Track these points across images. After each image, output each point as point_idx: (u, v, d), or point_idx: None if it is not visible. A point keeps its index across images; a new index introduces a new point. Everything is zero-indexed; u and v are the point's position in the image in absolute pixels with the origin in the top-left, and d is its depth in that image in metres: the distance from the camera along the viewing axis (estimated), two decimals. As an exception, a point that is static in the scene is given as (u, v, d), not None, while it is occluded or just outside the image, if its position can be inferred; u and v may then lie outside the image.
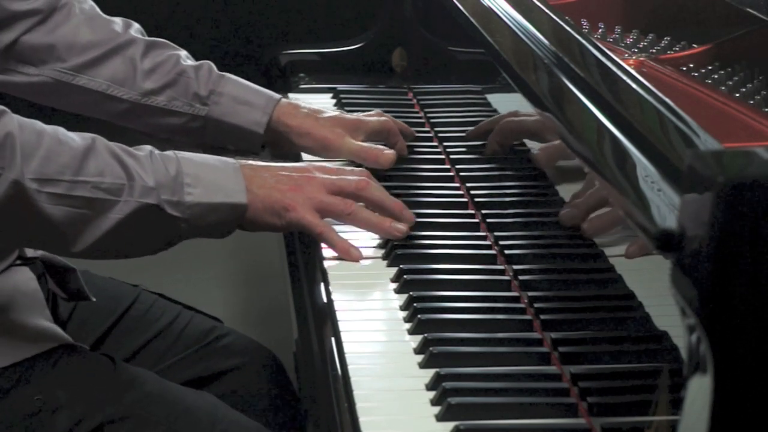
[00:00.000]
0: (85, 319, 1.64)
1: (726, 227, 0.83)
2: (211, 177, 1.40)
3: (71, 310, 1.64)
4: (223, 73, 1.71)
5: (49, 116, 1.75)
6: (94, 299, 1.60)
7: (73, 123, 1.51)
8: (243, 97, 1.69)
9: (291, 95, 2.06)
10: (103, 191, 1.35)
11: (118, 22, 1.73)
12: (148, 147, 1.41)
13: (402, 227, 1.46)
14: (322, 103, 2.01)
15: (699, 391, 0.86)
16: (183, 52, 1.72)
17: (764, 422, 0.85)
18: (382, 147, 1.67)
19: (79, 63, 1.68)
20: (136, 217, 1.36)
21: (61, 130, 1.37)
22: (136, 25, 1.74)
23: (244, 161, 1.45)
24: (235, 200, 1.40)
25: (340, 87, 2.05)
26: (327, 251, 1.46)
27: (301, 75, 2.13)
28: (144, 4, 3.68)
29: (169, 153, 1.41)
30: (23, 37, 1.66)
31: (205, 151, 1.69)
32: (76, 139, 1.37)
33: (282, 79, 2.12)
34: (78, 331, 1.59)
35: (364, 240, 1.48)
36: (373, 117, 1.73)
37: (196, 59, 1.74)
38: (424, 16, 2.07)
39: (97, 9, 1.74)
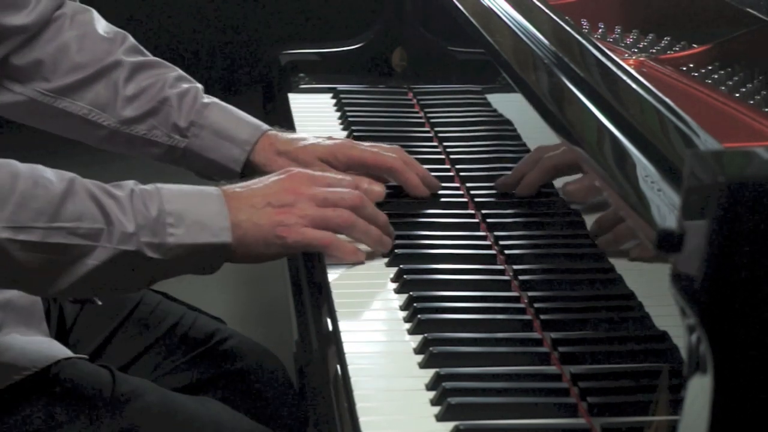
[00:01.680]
0: (90, 321, 1.64)
1: (726, 227, 0.83)
2: (194, 214, 1.33)
3: (76, 313, 1.63)
4: (210, 101, 1.62)
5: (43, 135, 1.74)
6: (99, 302, 1.58)
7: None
8: (224, 131, 1.60)
9: (291, 95, 2.06)
10: (79, 237, 1.29)
11: (112, 38, 1.66)
12: (130, 183, 1.34)
13: (389, 241, 1.44)
14: (322, 103, 2.01)
15: (699, 391, 0.86)
16: (173, 74, 1.64)
17: (764, 422, 0.85)
18: (366, 182, 1.52)
19: (62, 85, 1.62)
20: (114, 263, 1.30)
21: (38, 171, 1.30)
22: (129, 42, 1.67)
23: (228, 189, 1.38)
24: (220, 240, 1.33)
25: (340, 87, 2.05)
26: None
27: (301, 75, 2.12)
28: (144, 4, 3.68)
29: (151, 188, 1.34)
30: (12, 54, 1.61)
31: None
32: (54, 180, 1.30)
33: (282, 79, 2.12)
34: (83, 334, 1.59)
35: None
36: (372, 149, 1.58)
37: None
38: (424, 16, 2.07)
39: (95, 20, 1.67)
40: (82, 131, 1.64)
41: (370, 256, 1.45)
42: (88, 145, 1.68)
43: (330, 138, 1.61)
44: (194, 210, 1.34)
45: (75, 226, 1.29)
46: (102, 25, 1.67)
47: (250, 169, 1.59)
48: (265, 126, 1.62)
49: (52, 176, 1.31)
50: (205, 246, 1.33)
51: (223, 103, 1.63)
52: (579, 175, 1.43)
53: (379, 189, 1.51)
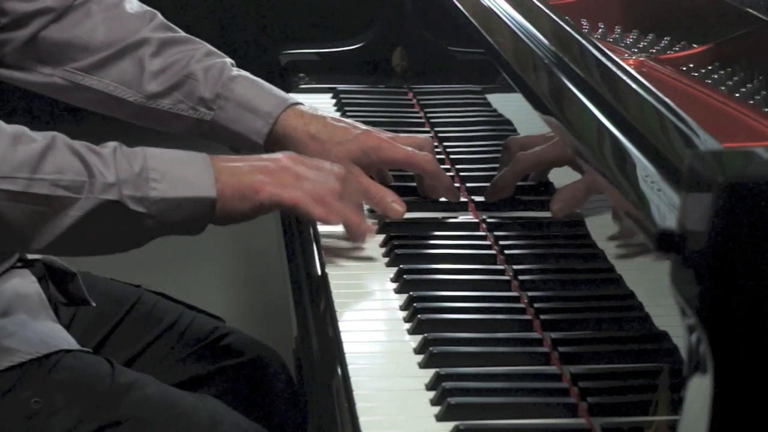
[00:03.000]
0: (87, 322, 1.64)
1: (726, 227, 0.83)
2: (178, 171, 1.36)
3: (73, 314, 1.63)
4: (238, 73, 1.63)
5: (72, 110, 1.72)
6: (94, 304, 1.58)
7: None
8: (249, 103, 1.60)
9: (291, 95, 2.06)
10: (62, 188, 1.31)
11: (141, 15, 1.67)
12: (114, 143, 1.37)
13: (369, 228, 1.44)
14: (322, 103, 2.01)
15: (699, 391, 0.86)
16: (202, 50, 1.65)
17: (764, 422, 0.85)
18: (391, 196, 1.53)
19: (90, 63, 1.63)
20: (98, 214, 1.32)
21: (22, 130, 1.34)
22: (158, 20, 1.68)
23: (215, 156, 1.40)
24: (204, 194, 1.36)
25: (340, 87, 2.05)
26: (327, 252, 1.46)
27: (301, 75, 2.13)
28: (144, 4, 3.68)
29: (137, 149, 1.37)
30: (41, 33, 1.62)
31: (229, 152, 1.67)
32: (36, 137, 1.33)
33: (282, 79, 2.12)
34: (80, 335, 1.59)
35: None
36: (405, 145, 1.57)
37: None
38: (424, 16, 2.07)
39: (127, 1, 1.68)
40: (110, 107, 1.66)
41: (370, 256, 1.45)
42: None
43: (357, 127, 1.58)
44: (178, 168, 1.37)
45: (57, 178, 1.32)
46: (131, 4, 1.68)
47: (280, 146, 1.58)
48: (291, 99, 1.62)
49: (34, 135, 1.34)
50: (189, 200, 1.35)
51: (252, 77, 1.64)
52: (559, 193, 1.45)
53: (400, 209, 1.51)
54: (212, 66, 1.63)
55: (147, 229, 1.36)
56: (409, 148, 1.56)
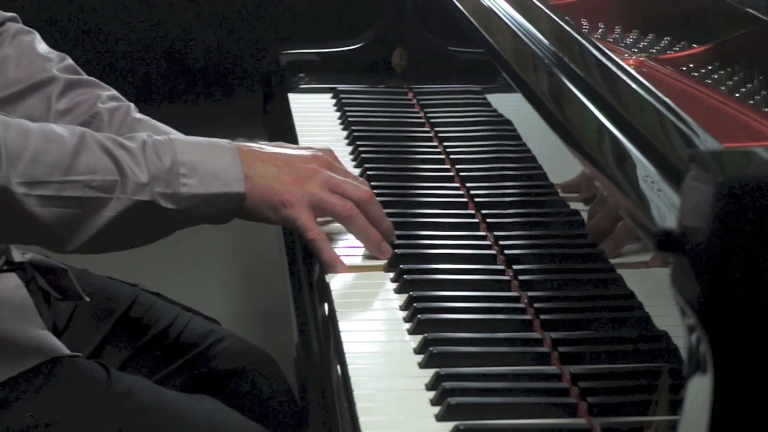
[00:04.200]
0: (83, 321, 1.63)
1: (726, 227, 0.83)
2: (207, 165, 1.37)
3: (70, 313, 1.63)
4: (141, 117, 1.63)
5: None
6: (87, 299, 1.58)
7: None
8: None
9: (291, 95, 2.06)
10: (94, 189, 1.32)
11: (50, 58, 1.66)
12: (143, 135, 1.38)
13: (388, 249, 1.44)
14: (322, 103, 2.01)
15: (699, 391, 0.86)
16: (106, 93, 1.64)
17: (764, 422, 0.85)
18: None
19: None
20: (130, 214, 1.34)
21: (49, 127, 1.34)
22: (67, 62, 1.67)
23: (243, 144, 1.42)
24: (233, 190, 1.37)
25: (340, 87, 2.05)
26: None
27: (301, 75, 2.13)
28: (144, 4, 3.68)
29: (164, 139, 1.38)
30: None
31: None
32: (65, 135, 1.33)
33: (282, 79, 2.12)
34: (77, 335, 1.58)
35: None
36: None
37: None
38: (424, 16, 2.07)
39: (37, 42, 1.67)
40: None
41: (369, 257, 1.45)
42: None
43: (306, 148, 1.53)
44: (207, 160, 1.37)
45: (89, 178, 1.32)
46: (42, 47, 1.68)
47: None
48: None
49: (63, 131, 1.34)
50: (219, 196, 1.37)
51: (154, 121, 1.63)
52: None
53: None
54: (117, 108, 1.63)
55: (175, 223, 1.37)
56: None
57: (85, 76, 1.67)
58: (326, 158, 1.45)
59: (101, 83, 1.67)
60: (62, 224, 1.32)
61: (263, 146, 1.44)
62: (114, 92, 1.66)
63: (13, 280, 1.50)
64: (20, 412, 1.41)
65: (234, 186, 1.37)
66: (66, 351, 1.48)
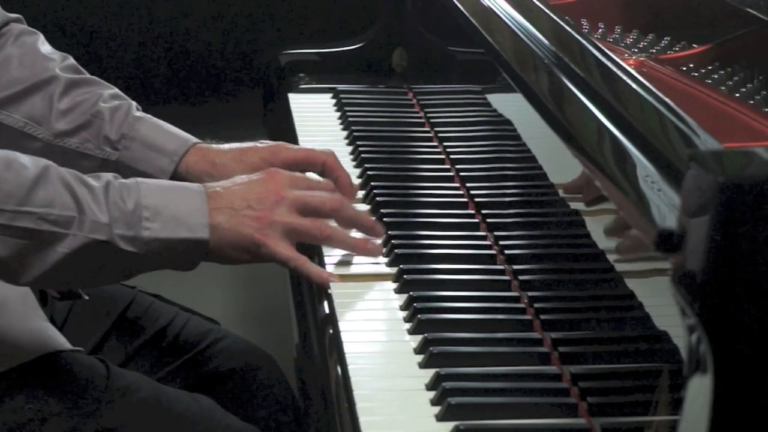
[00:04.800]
0: (81, 321, 1.63)
1: (726, 227, 0.83)
2: (172, 209, 1.34)
3: (67, 312, 1.63)
4: (142, 115, 1.62)
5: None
6: (87, 297, 1.58)
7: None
8: (154, 143, 1.58)
9: (291, 95, 2.06)
10: (49, 223, 1.30)
11: (53, 58, 1.65)
12: (109, 175, 1.36)
13: (379, 244, 1.44)
14: (322, 103, 2.01)
15: (699, 391, 0.86)
16: (108, 91, 1.64)
17: (764, 422, 0.85)
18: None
19: (1, 98, 1.61)
20: (86, 252, 1.31)
21: (13, 155, 1.32)
22: (69, 62, 1.67)
23: (210, 184, 1.39)
24: (197, 236, 1.34)
25: (340, 87, 2.05)
26: (327, 253, 1.46)
27: (301, 75, 2.13)
28: (143, 4, 3.68)
29: (130, 182, 1.36)
30: None
31: None
32: (28, 166, 1.32)
33: (282, 79, 2.12)
34: (74, 335, 1.58)
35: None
36: (304, 148, 1.59)
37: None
38: (424, 16, 2.07)
39: (39, 42, 1.67)
40: (18, 144, 1.60)
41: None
42: None
43: (260, 143, 1.58)
44: (173, 205, 1.35)
45: (45, 212, 1.30)
46: (46, 47, 1.68)
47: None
48: (194, 139, 1.61)
49: (27, 162, 1.32)
50: (182, 241, 1.34)
51: (156, 119, 1.63)
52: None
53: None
54: (119, 107, 1.62)
55: (134, 266, 1.35)
56: (309, 146, 1.56)
57: (87, 75, 1.67)
58: (282, 173, 1.43)
59: (103, 82, 1.67)
60: (14, 255, 1.30)
61: (228, 185, 1.40)
62: (116, 91, 1.66)
63: None
64: (19, 404, 1.42)
65: (198, 232, 1.35)
66: (68, 345, 1.49)
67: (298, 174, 1.46)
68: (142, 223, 1.32)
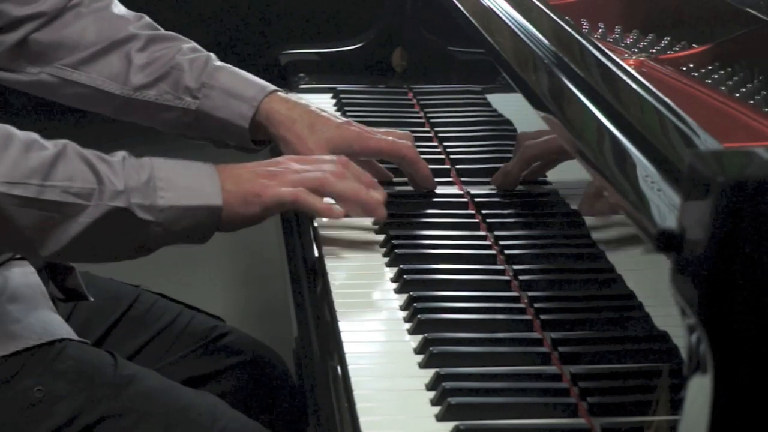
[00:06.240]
0: (84, 318, 1.65)
1: (726, 227, 0.83)
2: (184, 180, 1.39)
3: (70, 311, 1.64)
4: (222, 65, 1.66)
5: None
6: (92, 299, 1.60)
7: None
8: (234, 89, 1.63)
9: (291, 95, 2.06)
10: (72, 195, 1.34)
11: (129, 18, 1.70)
12: (122, 153, 1.40)
13: (377, 199, 1.45)
14: (322, 103, 2.01)
15: (699, 391, 0.86)
16: (187, 45, 1.68)
17: (764, 422, 0.85)
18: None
19: (78, 59, 1.66)
20: (106, 221, 1.35)
21: (33, 137, 1.36)
22: (145, 20, 1.71)
23: (222, 165, 1.44)
24: (210, 202, 1.39)
25: (340, 87, 2.05)
26: (327, 252, 1.46)
27: (301, 75, 2.13)
28: (144, 4, 3.68)
29: (143, 159, 1.40)
30: (31, 36, 1.65)
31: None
32: (47, 145, 1.36)
33: (282, 79, 2.12)
34: (78, 331, 1.59)
35: (364, 240, 1.49)
36: (386, 137, 1.60)
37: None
38: (424, 16, 2.07)
39: (114, 6, 1.71)
40: (97, 102, 1.68)
41: (370, 251, 1.46)
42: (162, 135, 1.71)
43: (338, 118, 1.62)
44: (185, 177, 1.40)
45: (67, 185, 1.34)
46: (119, 8, 1.72)
47: (263, 131, 1.62)
48: (272, 86, 1.65)
49: (45, 142, 1.37)
50: (196, 208, 1.38)
51: (234, 68, 1.67)
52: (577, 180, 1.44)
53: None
54: (197, 58, 1.66)
55: (154, 237, 1.38)
56: (390, 138, 1.58)
57: (165, 32, 1.70)
58: (293, 156, 1.49)
59: (181, 36, 1.70)
60: (39, 227, 1.34)
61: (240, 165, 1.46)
62: (194, 44, 1.69)
63: (26, 267, 1.54)
64: (29, 385, 1.44)
65: (212, 198, 1.39)
66: (75, 336, 1.51)
67: (309, 157, 1.50)
68: (157, 192, 1.37)
